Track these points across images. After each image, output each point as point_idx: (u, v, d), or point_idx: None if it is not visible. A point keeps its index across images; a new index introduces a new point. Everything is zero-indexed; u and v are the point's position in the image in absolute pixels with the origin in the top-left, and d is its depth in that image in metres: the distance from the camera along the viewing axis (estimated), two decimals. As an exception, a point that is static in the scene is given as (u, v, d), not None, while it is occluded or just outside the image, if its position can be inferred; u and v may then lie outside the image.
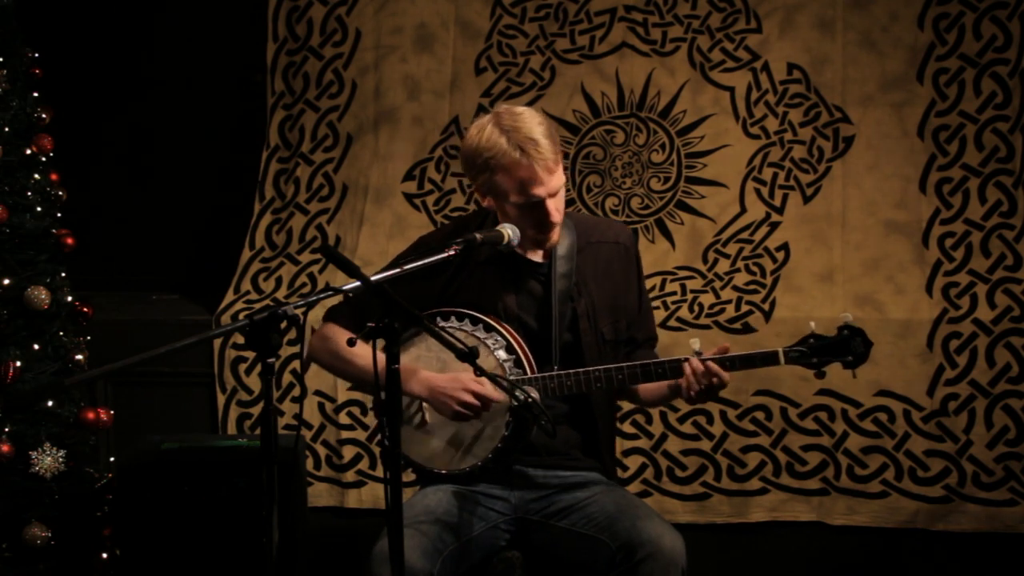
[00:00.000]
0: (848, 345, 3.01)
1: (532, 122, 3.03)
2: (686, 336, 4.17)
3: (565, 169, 3.11)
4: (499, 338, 3.11)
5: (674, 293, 4.45)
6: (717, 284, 4.45)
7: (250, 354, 4.55)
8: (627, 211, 4.58)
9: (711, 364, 3.00)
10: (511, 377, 3.07)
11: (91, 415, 3.93)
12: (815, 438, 4.31)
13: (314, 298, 2.63)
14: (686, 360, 3.03)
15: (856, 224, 4.43)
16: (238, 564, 3.62)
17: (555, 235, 3.12)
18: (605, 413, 3.26)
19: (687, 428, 4.37)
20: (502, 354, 3.09)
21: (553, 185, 3.03)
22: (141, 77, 5.05)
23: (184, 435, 3.90)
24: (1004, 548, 4.23)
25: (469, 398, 3.06)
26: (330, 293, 2.69)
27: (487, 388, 3.05)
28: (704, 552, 4.11)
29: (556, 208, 3.07)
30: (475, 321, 3.14)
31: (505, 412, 3.09)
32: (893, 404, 4.27)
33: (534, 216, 3.05)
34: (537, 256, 3.20)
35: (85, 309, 4.07)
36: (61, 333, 3.98)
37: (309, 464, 4.49)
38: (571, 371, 3.09)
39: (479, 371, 2.73)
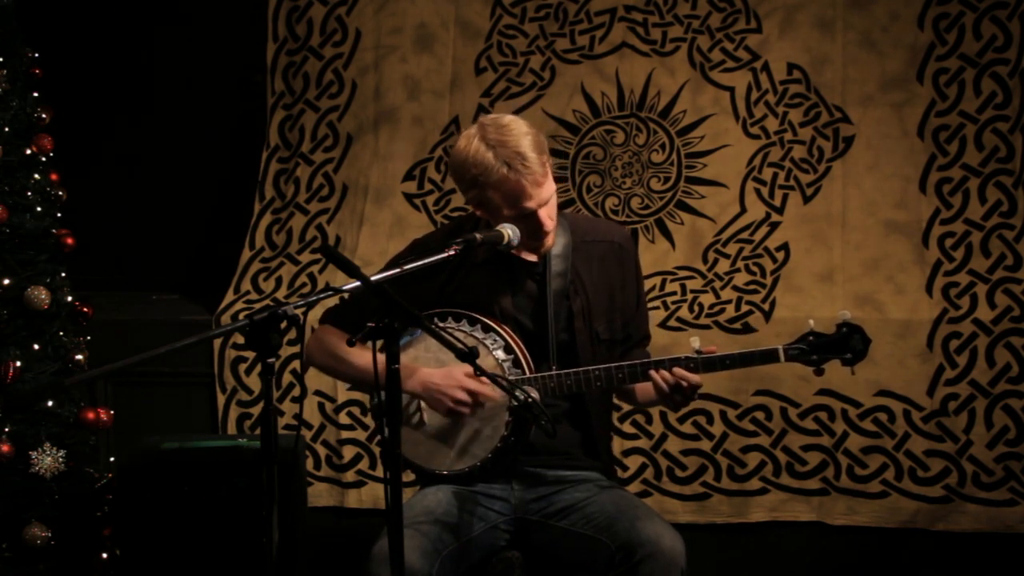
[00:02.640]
0: (847, 342, 3.02)
1: (518, 134, 3.02)
2: (686, 336, 4.17)
3: (557, 178, 3.12)
4: (497, 338, 3.12)
5: (674, 293, 4.45)
6: (717, 284, 4.45)
7: (250, 354, 4.55)
8: (627, 211, 4.58)
9: (677, 370, 3.02)
10: (510, 377, 3.07)
11: (91, 415, 3.93)
12: (815, 438, 4.31)
13: (314, 298, 2.63)
14: (686, 358, 3.04)
15: (856, 224, 4.43)
16: (238, 564, 3.62)
17: (549, 240, 3.14)
18: (601, 412, 3.26)
19: (687, 428, 4.37)
20: (500, 354, 3.10)
21: (543, 196, 3.04)
22: (141, 77, 5.05)
23: (184, 435, 3.90)
24: (1004, 548, 4.23)
25: (463, 395, 3.06)
26: (330, 293, 2.69)
27: (481, 385, 3.05)
28: (704, 552, 4.11)
29: (548, 216, 3.08)
30: (473, 321, 3.14)
31: (504, 412, 3.09)
32: (893, 404, 4.27)
33: (527, 225, 3.06)
34: (532, 256, 3.20)
35: (85, 309, 4.07)
36: (61, 333, 3.98)
37: (309, 464, 4.49)
38: (570, 370, 3.09)
39: (479, 371, 2.74)
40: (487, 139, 3.02)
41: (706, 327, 4.33)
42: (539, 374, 3.10)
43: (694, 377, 3.02)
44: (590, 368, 3.09)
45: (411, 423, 3.18)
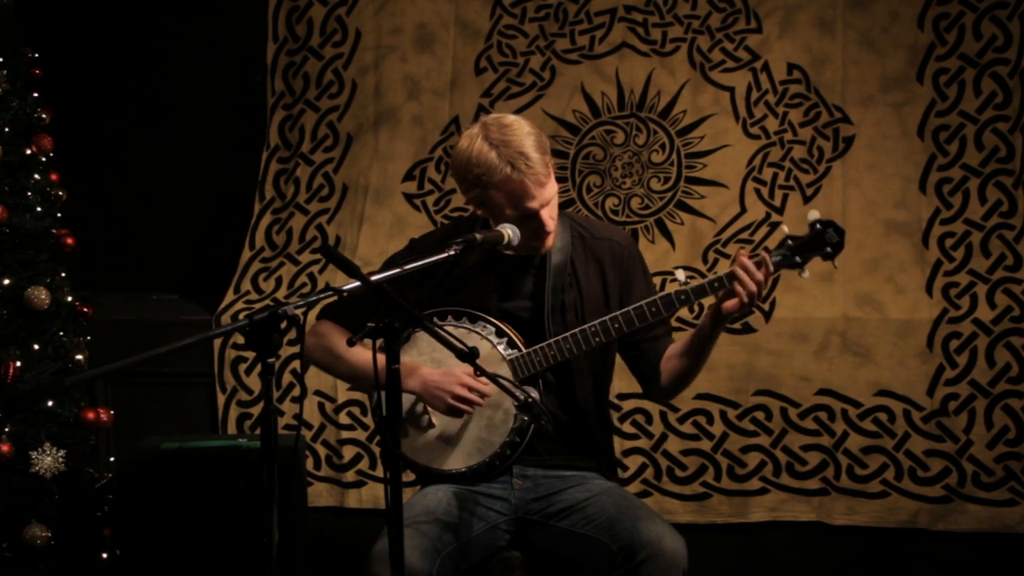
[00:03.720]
0: (823, 238, 3.02)
1: (521, 134, 3.02)
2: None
3: (556, 178, 3.11)
4: (487, 325, 3.12)
5: (674, 293, 4.44)
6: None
7: (250, 354, 4.55)
8: (627, 211, 4.58)
9: (745, 262, 2.93)
10: (508, 357, 3.07)
11: (91, 415, 3.94)
12: (815, 438, 4.31)
13: (314, 298, 2.63)
14: (676, 293, 3.01)
15: (856, 224, 4.43)
16: (238, 564, 3.62)
17: (550, 241, 3.13)
18: (598, 411, 3.25)
19: (687, 428, 4.37)
20: (493, 339, 3.10)
21: (546, 197, 3.04)
22: (141, 77, 5.05)
23: (184, 435, 3.90)
24: (1004, 548, 4.23)
25: (463, 391, 3.06)
26: (330, 293, 2.69)
27: (480, 382, 3.04)
28: (704, 552, 4.11)
29: (550, 216, 3.08)
30: (458, 315, 3.15)
31: (511, 409, 3.09)
32: (893, 404, 4.27)
33: (529, 226, 3.06)
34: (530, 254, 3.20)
35: (85, 309, 4.07)
36: (61, 333, 3.98)
37: (309, 464, 4.50)
38: (566, 334, 3.07)
39: (479, 371, 2.73)
40: (490, 139, 3.02)
41: (706, 327, 4.33)
42: (536, 346, 3.09)
43: (758, 274, 2.94)
44: (585, 326, 3.07)
45: (419, 425, 3.18)
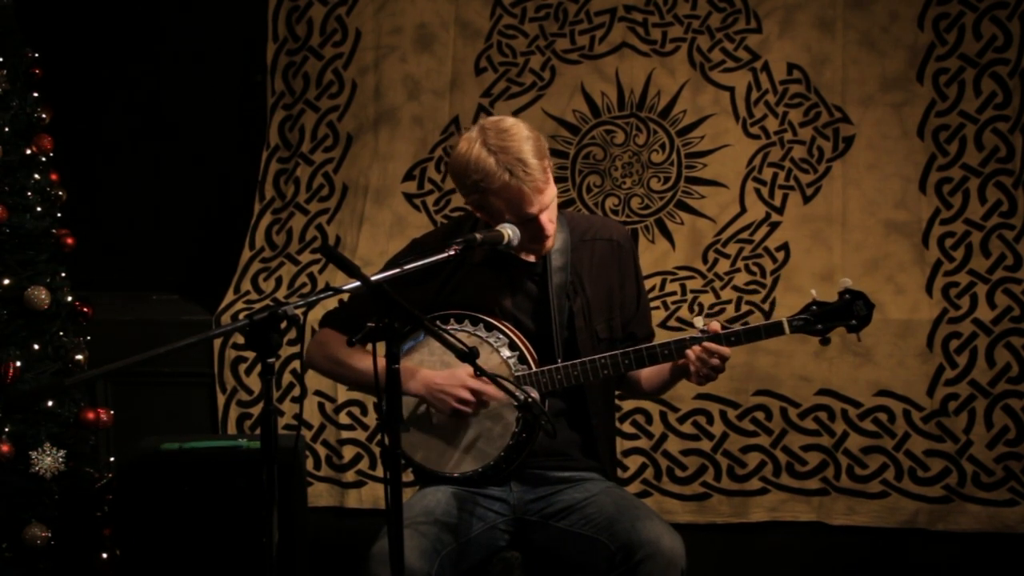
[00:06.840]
0: (851, 309, 3.01)
1: (520, 139, 3.01)
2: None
3: (556, 179, 3.12)
4: (501, 336, 3.12)
5: (674, 293, 4.45)
6: (717, 284, 4.45)
7: (250, 354, 4.55)
8: (627, 211, 4.58)
9: (709, 344, 3.00)
10: (517, 373, 3.08)
11: (91, 415, 3.94)
12: (815, 438, 4.31)
13: (314, 298, 2.64)
14: (691, 339, 3.03)
15: (856, 224, 4.43)
16: (238, 564, 3.62)
17: (550, 243, 3.14)
18: (602, 412, 3.26)
19: (687, 428, 4.37)
20: (505, 351, 3.10)
21: (544, 202, 3.04)
22: (141, 77, 5.05)
23: (184, 435, 3.90)
24: (1004, 548, 4.23)
25: (466, 394, 3.06)
26: (330, 293, 2.69)
27: (485, 384, 3.05)
28: (704, 552, 4.11)
29: (549, 220, 3.08)
30: (475, 321, 3.14)
31: (514, 410, 3.09)
32: (893, 404, 4.27)
33: (528, 230, 3.06)
34: (530, 257, 3.20)
35: (85, 309, 4.07)
36: (61, 333, 3.98)
37: (309, 464, 4.50)
38: (576, 361, 3.09)
39: (479, 371, 2.74)
40: (488, 144, 3.01)
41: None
42: (545, 367, 3.10)
43: (725, 350, 3.00)
44: (596, 357, 3.09)
45: (421, 427, 3.18)
